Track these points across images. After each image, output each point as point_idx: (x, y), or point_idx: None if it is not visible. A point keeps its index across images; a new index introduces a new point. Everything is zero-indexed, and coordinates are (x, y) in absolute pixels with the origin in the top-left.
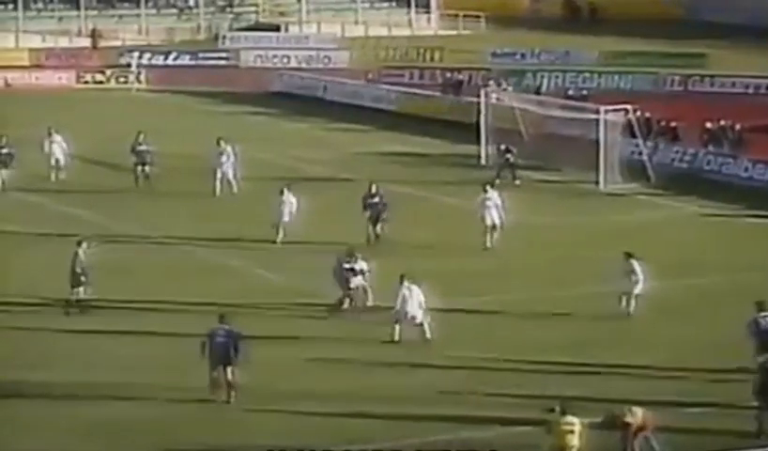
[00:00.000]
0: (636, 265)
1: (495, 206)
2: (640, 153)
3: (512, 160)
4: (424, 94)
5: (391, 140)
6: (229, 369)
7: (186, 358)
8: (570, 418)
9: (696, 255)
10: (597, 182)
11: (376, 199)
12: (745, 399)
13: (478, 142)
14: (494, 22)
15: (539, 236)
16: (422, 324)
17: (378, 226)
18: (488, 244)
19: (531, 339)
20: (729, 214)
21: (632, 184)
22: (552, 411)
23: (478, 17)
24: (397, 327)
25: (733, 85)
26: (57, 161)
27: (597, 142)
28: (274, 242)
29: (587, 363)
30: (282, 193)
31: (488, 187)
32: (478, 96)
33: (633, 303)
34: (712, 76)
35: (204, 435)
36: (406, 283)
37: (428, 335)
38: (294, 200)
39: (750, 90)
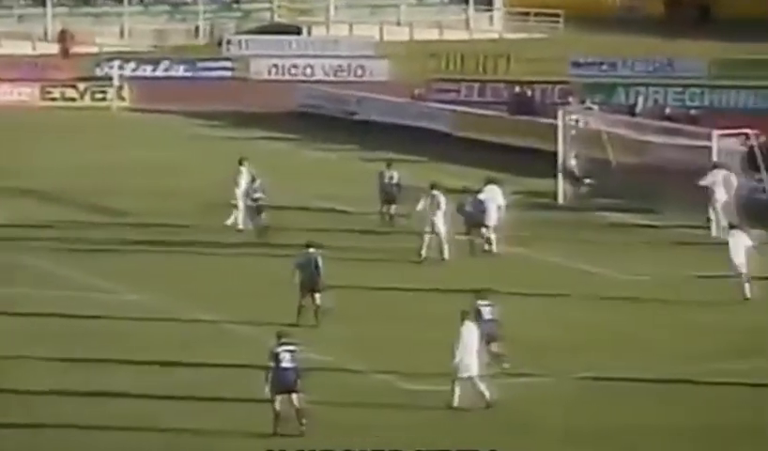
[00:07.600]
0: None
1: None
2: (764, 190)
3: None
4: (483, 114)
5: (450, 173)
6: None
7: None
8: None
9: None
10: (708, 228)
11: None
12: None
13: (555, 175)
14: (576, 22)
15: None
16: None
17: None
18: None
19: None
20: None
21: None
22: None
23: (555, 16)
24: None
25: None
26: None
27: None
28: None
29: None
30: None
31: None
32: (554, 117)
33: None
34: None
35: None
36: None
37: None
38: None
39: None
